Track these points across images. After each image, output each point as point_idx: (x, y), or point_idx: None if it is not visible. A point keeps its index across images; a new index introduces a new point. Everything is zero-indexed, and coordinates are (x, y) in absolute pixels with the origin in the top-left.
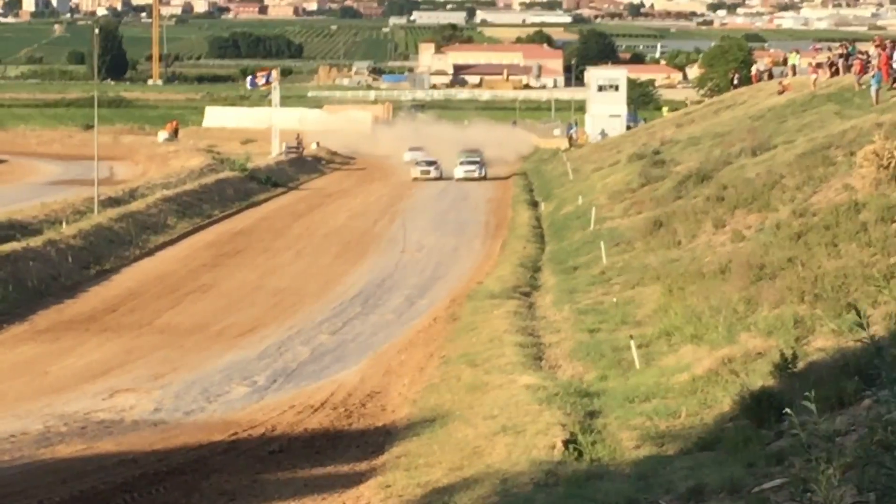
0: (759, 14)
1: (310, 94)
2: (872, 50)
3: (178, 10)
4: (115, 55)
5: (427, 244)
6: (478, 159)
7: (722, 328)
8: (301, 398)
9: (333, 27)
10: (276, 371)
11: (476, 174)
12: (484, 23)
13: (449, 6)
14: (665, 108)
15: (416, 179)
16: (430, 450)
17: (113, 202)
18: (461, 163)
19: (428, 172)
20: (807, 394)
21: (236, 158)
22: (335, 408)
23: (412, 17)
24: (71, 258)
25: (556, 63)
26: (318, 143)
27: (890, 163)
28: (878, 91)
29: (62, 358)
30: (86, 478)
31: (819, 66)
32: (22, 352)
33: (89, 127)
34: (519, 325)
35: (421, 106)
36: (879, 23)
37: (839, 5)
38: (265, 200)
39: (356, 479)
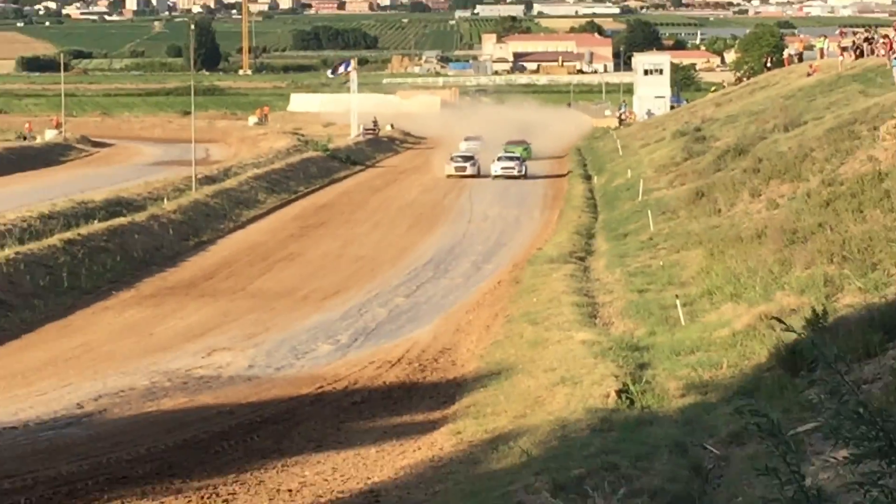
0: (790, 3)
1: (384, 81)
2: (892, 33)
3: (265, 7)
4: (209, 48)
5: (491, 215)
6: (517, 154)
7: (759, 287)
8: (380, 354)
9: (405, 20)
10: (357, 330)
11: (515, 172)
12: (540, 14)
13: (509, 0)
14: (714, 88)
15: (450, 177)
16: (496, 400)
17: (209, 180)
18: (499, 158)
19: (463, 169)
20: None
21: (319, 140)
22: (410, 363)
23: (476, 11)
24: (172, 231)
25: (605, 50)
26: (392, 125)
27: None
28: None
29: (165, 320)
30: (188, 427)
31: (845, 49)
32: (129, 315)
33: (186, 113)
34: (575, 286)
35: (484, 90)
36: None
37: None
38: (345, 177)
39: (430, 427)
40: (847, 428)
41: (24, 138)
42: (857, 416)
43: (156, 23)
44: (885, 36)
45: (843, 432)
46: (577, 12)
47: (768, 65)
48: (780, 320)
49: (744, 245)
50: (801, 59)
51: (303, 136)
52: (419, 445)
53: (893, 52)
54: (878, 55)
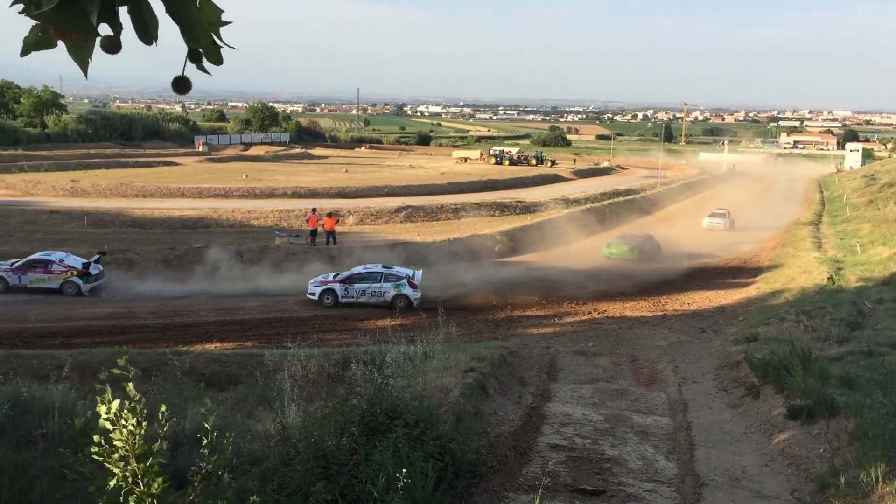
0: None
1: (738, 149)
2: None
3: (692, 119)
4: (668, 134)
5: (779, 207)
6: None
7: (893, 240)
8: (729, 257)
9: (748, 127)
10: (714, 248)
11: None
12: (805, 125)
13: (793, 117)
14: (880, 160)
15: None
16: (775, 277)
17: (663, 185)
18: (709, 215)
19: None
20: None
21: (711, 171)
22: (742, 260)
23: (778, 123)
24: (646, 202)
25: (833, 140)
26: (735, 166)
27: None
28: None
29: (662, 228)
30: (596, 274)
31: None
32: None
33: (656, 157)
34: (813, 234)
35: (779, 155)
36: None
37: None
38: (720, 185)
39: (748, 284)
40: None
41: (596, 164)
42: None
43: (649, 123)
44: None
45: None
46: (822, 126)
47: None
48: None
49: (888, 223)
50: None
51: (703, 170)
52: (743, 291)
53: None
54: None
